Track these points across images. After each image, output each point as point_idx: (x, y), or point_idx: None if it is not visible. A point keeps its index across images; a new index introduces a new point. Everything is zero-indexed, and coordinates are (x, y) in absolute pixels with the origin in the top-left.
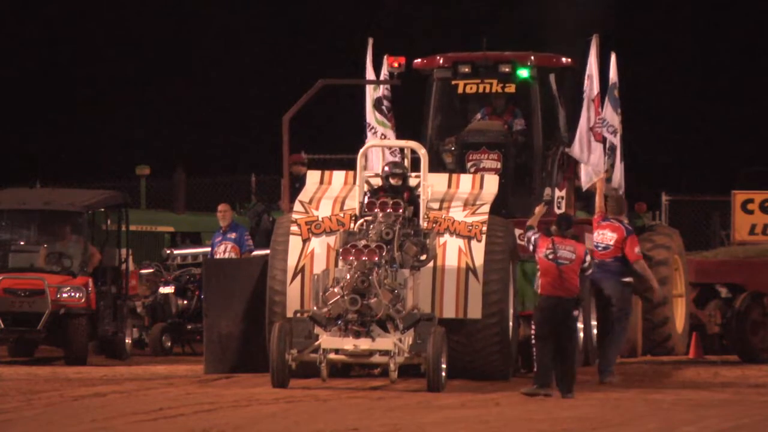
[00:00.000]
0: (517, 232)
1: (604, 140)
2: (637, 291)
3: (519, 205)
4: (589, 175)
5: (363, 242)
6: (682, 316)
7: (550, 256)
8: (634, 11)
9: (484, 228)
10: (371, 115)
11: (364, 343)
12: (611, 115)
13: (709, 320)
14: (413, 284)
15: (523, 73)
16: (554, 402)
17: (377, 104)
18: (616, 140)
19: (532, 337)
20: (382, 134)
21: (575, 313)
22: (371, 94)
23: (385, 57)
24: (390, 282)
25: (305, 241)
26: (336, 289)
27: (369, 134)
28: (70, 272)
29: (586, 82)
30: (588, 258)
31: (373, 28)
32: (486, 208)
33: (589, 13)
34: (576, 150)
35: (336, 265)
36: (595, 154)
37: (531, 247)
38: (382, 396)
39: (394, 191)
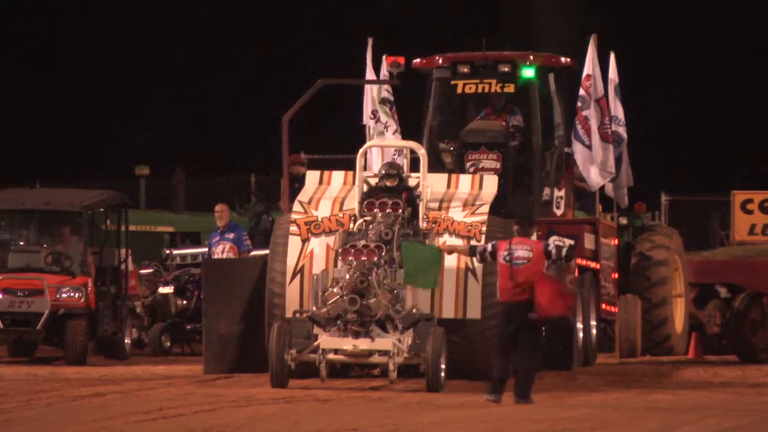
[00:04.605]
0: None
1: (615, 140)
2: (637, 290)
3: (518, 205)
4: (598, 175)
5: (362, 242)
6: (681, 316)
7: (507, 258)
8: (634, 11)
9: (484, 228)
10: (381, 113)
11: (363, 344)
12: (621, 112)
13: (709, 320)
14: None
15: (528, 72)
16: (555, 402)
17: (386, 102)
18: (625, 135)
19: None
20: (396, 130)
21: (531, 315)
22: (376, 93)
23: (385, 57)
24: (389, 282)
25: (304, 241)
26: (335, 290)
27: (388, 132)
28: (70, 272)
29: (583, 81)
30: (552, 249)
31: (373, 28)
32: (485, 209)
33: (588, 13)
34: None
35: (335, 265)
36: (605, 155)
37: (489, 257)
38: (381, 396)
39: (390, 192)
